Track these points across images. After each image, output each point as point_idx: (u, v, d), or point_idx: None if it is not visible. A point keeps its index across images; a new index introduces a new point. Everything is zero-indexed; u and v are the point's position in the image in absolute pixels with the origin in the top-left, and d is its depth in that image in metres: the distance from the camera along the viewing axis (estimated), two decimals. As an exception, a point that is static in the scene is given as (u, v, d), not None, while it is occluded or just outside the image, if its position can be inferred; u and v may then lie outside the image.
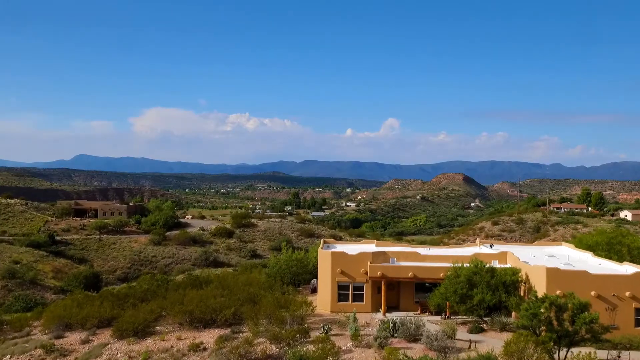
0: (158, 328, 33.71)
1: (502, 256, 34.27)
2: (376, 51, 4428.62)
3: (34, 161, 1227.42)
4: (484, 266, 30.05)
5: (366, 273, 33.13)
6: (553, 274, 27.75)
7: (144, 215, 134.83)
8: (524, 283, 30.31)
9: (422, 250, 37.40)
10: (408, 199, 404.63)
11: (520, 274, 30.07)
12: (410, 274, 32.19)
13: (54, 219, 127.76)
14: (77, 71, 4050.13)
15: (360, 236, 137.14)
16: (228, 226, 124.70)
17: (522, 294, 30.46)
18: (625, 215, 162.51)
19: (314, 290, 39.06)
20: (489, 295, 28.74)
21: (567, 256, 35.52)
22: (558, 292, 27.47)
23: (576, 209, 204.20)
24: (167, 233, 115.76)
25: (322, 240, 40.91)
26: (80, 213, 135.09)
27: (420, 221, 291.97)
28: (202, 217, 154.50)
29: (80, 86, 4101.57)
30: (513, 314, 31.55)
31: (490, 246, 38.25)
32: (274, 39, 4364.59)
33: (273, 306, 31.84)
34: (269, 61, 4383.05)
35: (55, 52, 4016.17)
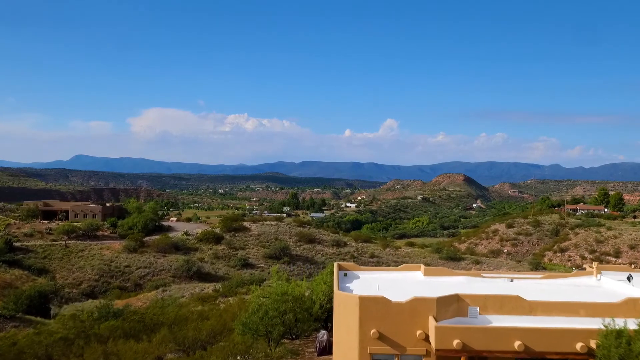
0: None
1: (677, 304, 18.46)
2: (374, 52, 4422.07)
3: (32, 161, 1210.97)
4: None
5: (426, 339, 17.36)
6: None
7: (122, 217, 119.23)
8: None
9: (505, 283, 21.70)
10: (409, 200, 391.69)
11: None
12: (517, 345, 16.40)
13: (17, 221, 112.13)
14: (75, 71, 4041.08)
15: (367, 241, 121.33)
16: (217, 230, 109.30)
17: None
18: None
19: (324, 352, 23.33)
20: None
21: None
22: None
23: (593, 210, 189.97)
24: (146, 238, 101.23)
25: (335, 264, 24.72)
26: (50, 215, 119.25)
27: (422, 222, 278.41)
28: (189, 220, 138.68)
29: (78, 87, 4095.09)
30: None
31: (629, 279, 22.17)
32: (272, 39, 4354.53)
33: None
34: (268, 62, 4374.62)
35: (54, 53, 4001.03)
